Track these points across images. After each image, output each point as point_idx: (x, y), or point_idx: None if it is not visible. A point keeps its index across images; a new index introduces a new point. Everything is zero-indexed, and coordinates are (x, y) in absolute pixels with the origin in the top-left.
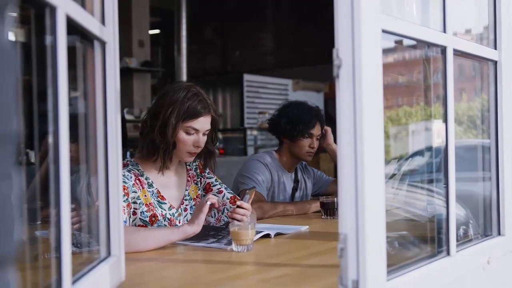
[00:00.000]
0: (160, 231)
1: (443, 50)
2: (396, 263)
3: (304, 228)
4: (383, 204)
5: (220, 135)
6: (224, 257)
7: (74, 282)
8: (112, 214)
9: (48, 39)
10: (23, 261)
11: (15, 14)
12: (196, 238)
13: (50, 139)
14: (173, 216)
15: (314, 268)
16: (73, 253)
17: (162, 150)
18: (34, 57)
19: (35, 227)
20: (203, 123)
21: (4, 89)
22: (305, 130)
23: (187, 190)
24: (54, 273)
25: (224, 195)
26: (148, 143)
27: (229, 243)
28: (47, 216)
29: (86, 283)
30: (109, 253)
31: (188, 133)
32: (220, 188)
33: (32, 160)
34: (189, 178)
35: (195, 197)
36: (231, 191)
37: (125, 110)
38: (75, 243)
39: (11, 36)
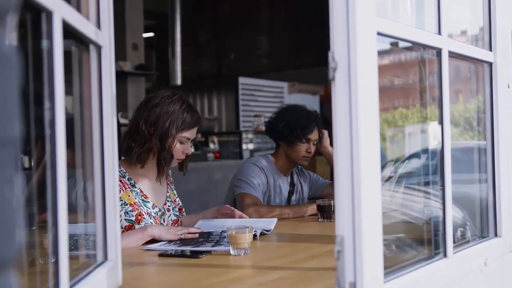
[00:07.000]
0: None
1: (438, 52)
2: (393, 265)
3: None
4: (379, 206)
5: (215, 139)
6: (222, 261)
7: (71, 287)
8: (109, 219)
9: (44, 43)
10: (21, 266)
11: (16, 19)
12: (195, 244)
13: (47, 144)
14: (157, 215)
15: (312, 271)
16: (70, 258)
17: (164, 160)
18: (30, 61)
19: (31, 232)
20: (195, 132)
21: (6, 94)
22: (303, 135)
23: (168, 192)
24: (51, 278)
25: (169, 216)
26: (145, 150)
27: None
28: (43, 221)
29: None
30: (106, 258)
31: (181, 143)
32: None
33: (26, 165)
34: (168, 183)
35: (173, 200)
36: (177, 214)
37: (119, 114)
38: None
39: (12, 41)
